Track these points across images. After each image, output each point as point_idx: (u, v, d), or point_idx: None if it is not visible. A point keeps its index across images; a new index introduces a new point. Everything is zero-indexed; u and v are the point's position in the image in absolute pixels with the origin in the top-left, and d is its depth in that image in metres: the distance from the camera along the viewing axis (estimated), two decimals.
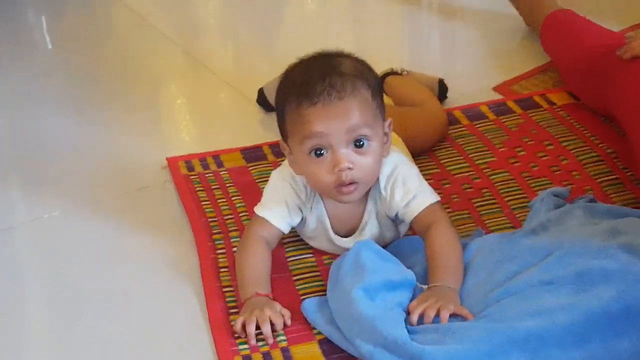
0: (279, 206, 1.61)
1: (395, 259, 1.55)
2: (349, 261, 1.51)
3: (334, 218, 1.62)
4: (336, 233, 1.63)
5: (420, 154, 1.90)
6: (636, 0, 2.61)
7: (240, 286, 1.56)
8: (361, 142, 1.51)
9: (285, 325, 1.49)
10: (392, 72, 2.13)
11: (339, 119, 1.49)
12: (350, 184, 1.53)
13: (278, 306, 1.51)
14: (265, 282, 1.56)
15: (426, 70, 2.20)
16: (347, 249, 1.58)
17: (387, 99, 2.04)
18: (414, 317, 1.43)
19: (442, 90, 2.14)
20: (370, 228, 1.62)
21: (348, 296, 1.44)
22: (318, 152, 1.52)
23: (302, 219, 1.63)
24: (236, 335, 1.49)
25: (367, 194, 1.60)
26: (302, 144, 1.52)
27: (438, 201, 1.59)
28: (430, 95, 2.06)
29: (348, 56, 1.58)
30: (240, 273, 1.57)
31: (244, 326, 1.47)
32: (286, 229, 1.62)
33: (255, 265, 1.57)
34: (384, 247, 1.59)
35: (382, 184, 1.59)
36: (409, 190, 1.58)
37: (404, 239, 1.65)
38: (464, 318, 1.42)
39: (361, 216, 1.61)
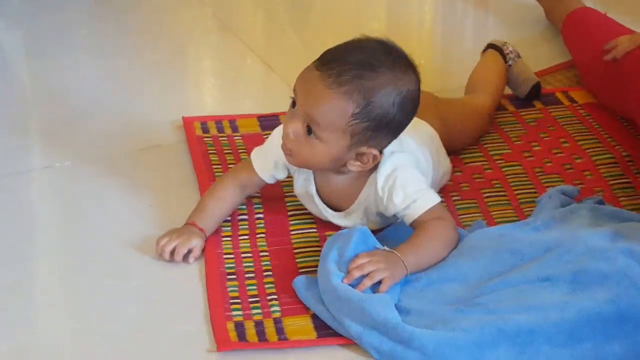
0: (267, 158, 1.65)
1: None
2: (341, 245, 1.51)
3: (323, 187, 1.63)
4: (325, 202, 1.64)
5: (462, 148, 1.89)
6: None
7: (192, 211, 1.65)
8: (310, 131, 1.51)
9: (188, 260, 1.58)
10: (496, 46, 2.08)
11: (307, 96, 1.50)
12: (286, 147, 1.55)
13: (193, 242, 1.59)
14: (209, 218, 1.64)
15: (454, 54, 2.18)
16: (331, 223, 1.63)
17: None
18: (354, 265, 1.45)
19: (533, 92, 2.08)
20: (356, 216, 1.62)
21: (335, 279, 1.45)
22: (293, 104, 1.53)
23: (288, 175, 1.66)
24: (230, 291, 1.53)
25: (364, 183, 1.59)
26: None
27: (439, 202, 1.57)
28: (491, 88, 1.98)
29: (403, 76, 1.51)
30: (199, 202, 1.67)
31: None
32: (269, 180, 1.67)
33: (213, 202, 1.65)
34: (375, 231, 1.59)
35: (379, 183, 1.57)
36: (408, 194, 1.55)
37: (398, 226, 1.62)
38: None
39: (352, 200, 1.61)
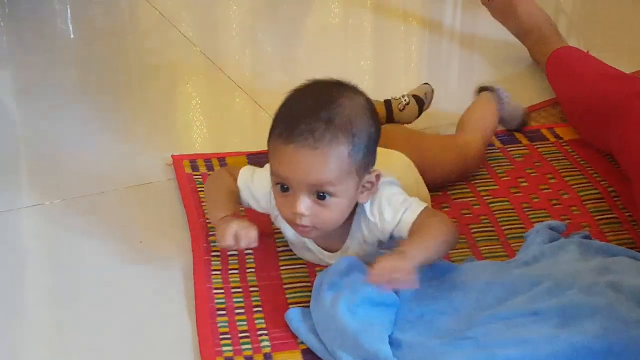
0: (253, 189, 1.65)
1: None
2: (333, 275, 1.52)
3: None
4: (320, 245, 1.64)
5: (440, 186, 1.88)
6: None
7: (211, 208, 1.64)
8: (323, 195, 1.50)
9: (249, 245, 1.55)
10: (488, 88, 2.09)
11: (304, 170, 1.48)
12: (307, 226, 1.53)
13: (250, 229, 1.55)
14: (235, 206, 1.63)
15: (439, 92, 2.20)
16: (329, 263, 1.62)
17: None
18: (371, 274, 1.44)
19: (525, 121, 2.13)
20: (353, 252, 1.62)
21: (330, 309, 1.46)
22: (283, 187, 1.52)
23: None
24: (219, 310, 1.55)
25: (351, 218, 1.59)
26: (271, 175, 1.54)
27: (427, 206, 1.59)
28: (479, 129, 1.99)
29: (354, 96, 1.53)
30: (212, 197, 1.66)
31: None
32: (245, 203, 1.68)
33: (227, 192, 1.64)
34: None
35: (367, 210, 1.58)
36: (397, 208, 1.57)
37: None
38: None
39: (344, 239, 1.62)
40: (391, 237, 1.61)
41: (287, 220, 1.57)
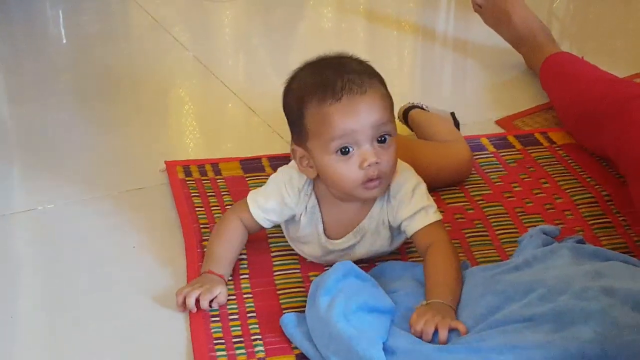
0: (265, 204, 1.65)
1: (375, 283, 1.56)
2: (329, 280, 1.52)
3: (330, 223, 1.64)
4: (329, 237, 1.65)
5: (434, 189, 1.88)
6: None
7: (204, 259, 1.64)
8: (384, 138, 1.54)
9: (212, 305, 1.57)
10: (415, 106, 2.12)
11: (365, 114, 1.52)
12: (376, 179, 1.55)
13: (217, 290, 1.57)
14: (224, 263, 1.64)
15: (433, 97, 2.21)
16: (339, 250, 1.64)
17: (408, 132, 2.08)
18: (416, 331, 1.45)
19: (454, 124, 2.13)
20: (366, 232, 1.63)
21: (325, 315, 1.45)
22: (344, 150, 1.54)
23: (294, 220, 1.66)
24: (213, 316, 1.53)
25: (372, 202, 1.62)
26: (328, 144, 1.54)
27: (440, 220, 1.62)
28: (458, 134, 2.03)
29: (352, 58, 1.60)
30: (208, 248, 1.66)
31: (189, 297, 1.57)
32: (266, 225, 1.68)
33: (222, 246, 1.65)
34: (371, 260, 1.62)
35: (392, 191, 1.61)
36: (416, 203, 1.60)
37: (387, 264, 1.66)
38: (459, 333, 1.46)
39: (361, 220, 1.63)
40: (398, 227, 1.63)
41: (351, 188, 1.56)
